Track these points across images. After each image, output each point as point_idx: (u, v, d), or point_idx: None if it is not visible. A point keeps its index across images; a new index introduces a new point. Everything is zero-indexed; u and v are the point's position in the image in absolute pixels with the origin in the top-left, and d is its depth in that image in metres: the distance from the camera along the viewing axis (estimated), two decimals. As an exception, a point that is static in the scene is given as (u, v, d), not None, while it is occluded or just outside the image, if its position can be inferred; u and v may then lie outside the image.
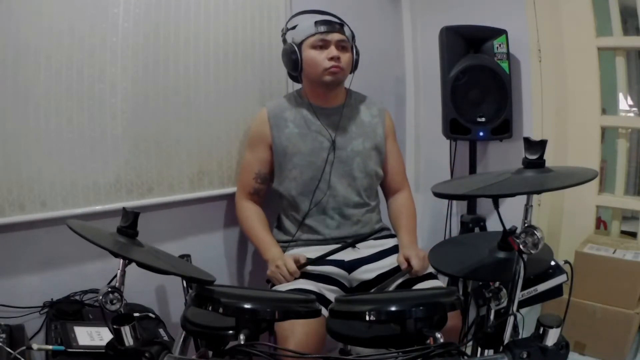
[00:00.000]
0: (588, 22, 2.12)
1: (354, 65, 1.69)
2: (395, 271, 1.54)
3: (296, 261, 1.50)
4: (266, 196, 1.76)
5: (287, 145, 1.65)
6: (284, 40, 1.71)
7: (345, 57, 1.62)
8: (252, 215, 1.71)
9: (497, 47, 2.13)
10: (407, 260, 1.50)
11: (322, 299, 1.41)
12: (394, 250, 1.62)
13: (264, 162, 1.69)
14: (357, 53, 1.69)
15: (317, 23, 1.59)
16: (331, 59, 1.58)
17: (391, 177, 1.77)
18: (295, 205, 1.66)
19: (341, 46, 1.61)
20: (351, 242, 1.57)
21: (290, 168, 1.65)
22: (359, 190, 1.66)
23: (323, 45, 1.59)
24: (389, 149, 1.76)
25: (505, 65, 2.13)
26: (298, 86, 1.76)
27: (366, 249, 1.61)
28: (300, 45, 1.62)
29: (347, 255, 1.58)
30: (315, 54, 1.59)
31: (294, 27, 1.68)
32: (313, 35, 1.59)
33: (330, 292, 1.47)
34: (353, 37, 1.70)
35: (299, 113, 1.67)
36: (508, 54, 2.13)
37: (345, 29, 1.64)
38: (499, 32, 2.13)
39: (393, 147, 1.78)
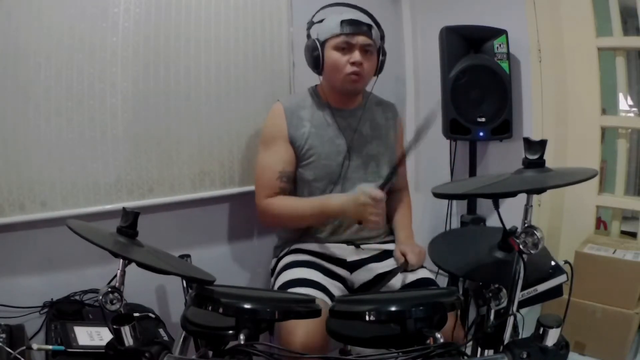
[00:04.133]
0: (588, 22, 2.12)
1: (379, 68, 1.60)
2: (391, 271, 1.54)
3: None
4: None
5: (303, 145, 1.56)
6: (308, 35, 1.63)
7: (369, 63, 1.53)
8: (286, 201, 1.55)
9: (497, 47, 2.13)
10: (404, 255, 1.51)
11: (326, 291, 1.40)
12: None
13: (287, 159, 1.55)
14: (384, 54, 1.59)
15: (343, 23, 1.50)
16: (353, 63, 1.50)
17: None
18: None
19: (366, 50, 1.52)
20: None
21: (304, 169, 1.58)
22: None
23: (347, 48, 1.50)
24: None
25: (505, 65, 2.12)
26: (298, 86, 1.75)
27: (370, 250, 1.61)
28: (323, 43, 1.53)
29: (350, 255, 1.58)
30: (337, 56, 1.51)
31: (320, 21, 1.59)
32: (337, 35, 1.50)
33: (335, 288, 1.47)
34: (382, 37, 1.60)
35: (316, 113, 1.60)
36: (508, 54, 2.13)
37: (374, 30, 1.54)
38: (499, 32, 2.13)
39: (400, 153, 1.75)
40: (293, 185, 1.60)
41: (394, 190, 1.77)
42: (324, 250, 1.58)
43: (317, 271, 1.48)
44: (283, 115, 1.57)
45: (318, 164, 1.57)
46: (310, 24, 1.63)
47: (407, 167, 1.88)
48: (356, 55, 1.50)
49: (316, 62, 1.54)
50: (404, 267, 1.49)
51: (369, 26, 1.53)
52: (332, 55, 1.52)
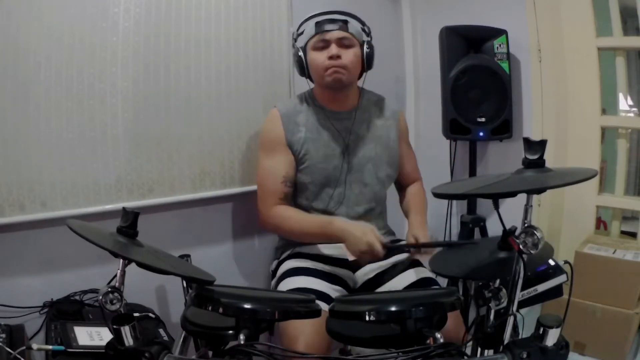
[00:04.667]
0: (588, 22, 2.12)
1: (367, 63, 1.60)
2: (393, 267, 1.55)
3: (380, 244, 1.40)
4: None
5: (299, 150, 1.58)
6: (294, 46, 1.66)
7: (349, 55, 1.54)
8: (290, 213, 1.56)
9: (497, 47, 2.13)
10: (416, 240, 1.50)
11: (327, 298, 1.40)
12: (397, 250, 1.61)
13: (288, 164, 1.58)
14: (370, 48, 1.59)
15: (317, 24, 1.55)
16: (330, 57, 1.52)
17: (405, 176, 1.76)
18: (306, 210, 1.62)
19: (343, 44, 1.54)
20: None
21: (301, 173, 1.59)
22: (369, 196, 1.64)
23: (324, 46, 1.54)
24: (404, 153, 1.73)
25: (505, 65, 2.13)
26: (299, 87, 1.75)
27: None
28: (305, 48, 1.59)
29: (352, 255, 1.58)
30: (316, 55, 1.55)
31: (302, 32, 1.64)
32: (313, 36, 1.55)
33: (335, 292, 1.47)
34: (367, 33, 1.62)
35: (311, 117, 1.61)
36: (508, 54, 2.13)
37: (351, 25, 1.56)
38: (499, 32, 2.13)
39: (407, 150, 1.76)
40: (294, 188, 1.62)
41: (406, 184, 1.78)
42: (325, 252, 1.58)
43: (318, 278, 1.48)
44: (279, 121, 1.60)
45: (314, 168, 1.58)
46: (295, 36, 1.66)
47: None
48: (332, 49, 1.53)
49: (301, 67, 1.60)
50: (416, 252, 1.52)
51: (344, 21, 1.56)
52: (311, 56, 1.57)
